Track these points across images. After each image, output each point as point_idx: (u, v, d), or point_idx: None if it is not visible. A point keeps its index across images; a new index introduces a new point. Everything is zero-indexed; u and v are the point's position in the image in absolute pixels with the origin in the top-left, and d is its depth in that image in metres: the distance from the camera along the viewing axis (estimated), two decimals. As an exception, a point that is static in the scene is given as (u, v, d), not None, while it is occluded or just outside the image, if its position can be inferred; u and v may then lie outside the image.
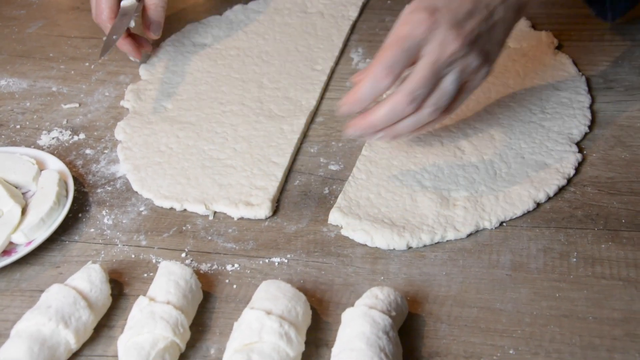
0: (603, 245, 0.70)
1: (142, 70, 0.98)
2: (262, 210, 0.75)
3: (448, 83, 0.67)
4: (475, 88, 0.71)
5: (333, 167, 0.82)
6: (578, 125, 0.82)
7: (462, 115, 0.85)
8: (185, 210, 0.77)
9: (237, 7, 1.10)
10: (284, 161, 0.81)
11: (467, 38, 0.66)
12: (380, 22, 1.07)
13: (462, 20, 0.66)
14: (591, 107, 0.86)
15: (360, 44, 1.03)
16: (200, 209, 0.76)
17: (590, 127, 0.83)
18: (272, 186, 0.78)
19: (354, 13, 1.08)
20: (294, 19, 1.07)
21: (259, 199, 0.76)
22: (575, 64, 0.93)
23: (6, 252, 0.72)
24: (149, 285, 0.66)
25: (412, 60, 0.67)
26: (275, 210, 0.77)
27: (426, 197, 0.75)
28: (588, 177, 0.78)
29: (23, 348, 0.60)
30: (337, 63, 0.99)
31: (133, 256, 0.73)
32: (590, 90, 0.89)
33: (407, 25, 0.66)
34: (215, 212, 0.77)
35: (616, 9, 0.89)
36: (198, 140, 0.85)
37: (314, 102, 0.91)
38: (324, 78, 0.95)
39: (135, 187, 0.80)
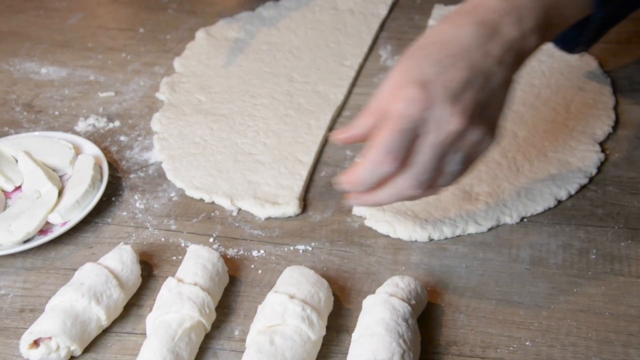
0: (622, 244, 0.70)
1: (177, 63, 1.00)
2: (290, 208, 0.76)
3: (453, 165, 0.60)
4: (480, 159, 0.62)
5: (359, 160, 0.83)
6: (602, 126, 0.83)
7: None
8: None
9: (270, 4, 1.11)
10: (309, 159, 0.82)
11: (467, 113, 0.58)
12: (409, 20, 1.08)
13: (458, 93, 0.58)
14: (615, 108, 0.86)
15: (389, 42, 1.04)
16: (226, 204, 0.78)
17: (614, 128, 0.83)
18: (297, 185, 0.79)
19: (383, 11, 1.09)
20: (324, 15, 1.08)
21: (286, 198, 0.77)
22: (601, 65, 0.93)
23: (43, 231, 0.74)
24: (178, 267, 0.68)
25: (411, 139, 0.59)
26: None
27: (449, 192, 0.76)
28: (610, 176, 0.78)
29: (57, 322, 0.62)
30: (365, 59, 1.00)
31: (163, 239, 0.74)
32: (615, 91, 0.89)
33: (400, 103, 0.58)
34: (240, 209, 0.77)
35: (584, 42, 0.77)
36: (231, 133, 0.87)
37: (341, 97, 0.92)
38: (353, 73, 0.96)
39: (169, 177, 0.82)
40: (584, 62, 0.93)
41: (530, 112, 0.85)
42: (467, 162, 0.61)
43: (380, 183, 0.61)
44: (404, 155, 0.59)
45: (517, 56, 0.62)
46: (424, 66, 0.59)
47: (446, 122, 0.58)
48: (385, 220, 0.73)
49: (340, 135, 0.64)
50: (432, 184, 0.61)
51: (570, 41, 0.77)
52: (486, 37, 0.60)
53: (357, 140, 0.63)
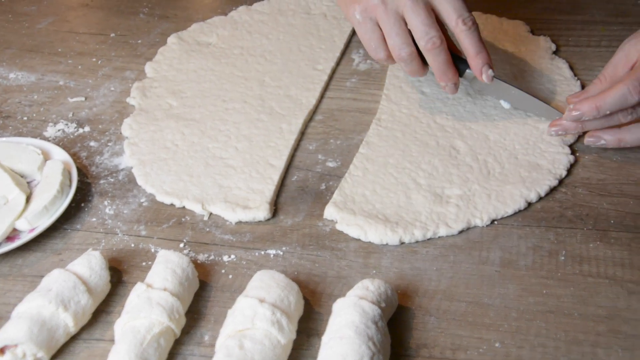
0: (591, 245, 0.72)
1: (148, 68, 1.00)
2: (260, 212, 0.76)
3: None
4: None
5: (330, 164, 0.84)
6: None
7: (458, 115, 0.87)
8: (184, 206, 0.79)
9: (242, 8, 1.11)
10: (281, 164, 0.83)
11: None
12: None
13: None
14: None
15: (361, 45, 1.04)
16: (197, 209, 0.78)
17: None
18: (269, 189, 0.79)
19: (356, 15, 1.09)
20: (297, 19, 1.09)
21: (257, 202, 0.77)
22: (572, 68, 0.95)
23: (10, 238, 0.74)
24: (147, 273, 0.68)
25: None
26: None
27: (420, 195, 0.77)
28: (579, 178, 0.79)
29: (23, 328, 0.61)
30: (338, 63, 1.00)
31: (133, 245, 0.74)
32: (584, 94, 0.90)
33: None
34: (211, 214, 0.78)
35: None
36: (202, 138, 0.87)
37: (313, 101, 0.93)
38: (325, 78, 0.97)
39: (139, 182, 0.81)
40: (555, 65, 0.95)
41: (501, 115, 0.86)
42: None
43: (611, 114, 0.74)
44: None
45: None
46: None
47: None
48: (357, 224, 0.74)
49: (574, 99, 0.79)
50: None
51: None
52: None
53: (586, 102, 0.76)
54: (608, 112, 0.74)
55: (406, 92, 0.92)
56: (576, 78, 0.92)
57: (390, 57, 0.82)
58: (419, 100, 0.90)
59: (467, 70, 0.82)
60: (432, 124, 0.86)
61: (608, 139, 0.77)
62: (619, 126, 0.77)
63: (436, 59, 0.79)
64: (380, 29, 0.81)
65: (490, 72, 0.80)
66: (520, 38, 1.00)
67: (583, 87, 0.91)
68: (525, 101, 0.84)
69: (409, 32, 0.80)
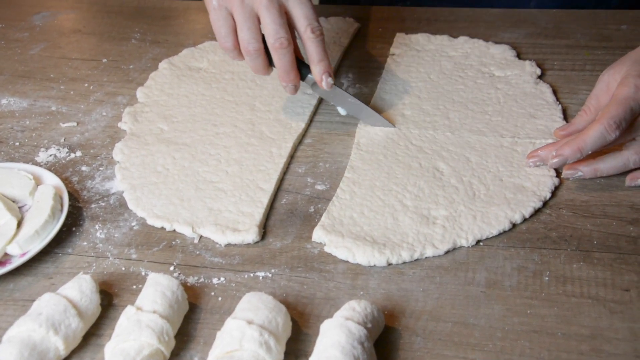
0: (575, 265, 0.74)
1: (139, 93, 1.02)
2: (249, 235, 0.78)
3: None
4: None
5: (319, 187, 0.86)
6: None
7: (430, 137, 0.90)
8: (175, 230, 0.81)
9: (233, 33, 1.14)
10: (270, 187, 0.85)
11: None
12: (371, 49, 1.12)
13: None
14: (569, 134, 0.90)
15: (350, 70, 1.07)
16: (187, 232, 0.80)
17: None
18: (258, 212, 0.81)
19: (345, 40, 1.13)
20: (287, 45, 1.11)
21: (246, 225, 0.79)
22: (555, 92, 0.97)
23: (1, 262, 0.75)
24: (138, 296, 0.70)
25: (633, 119, 0.78)
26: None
27: (407, 216, 0.79)
28: (564, 200, 0.81)
29: (14, 352, 0.63)
30: (327, 88, 1.03)
31: (123, 269, 0.76)
32: (567, 118, 0.93)
33: (628, 88, 0.77)
34: (201, 237, 0.80)
35: None
36: (193, 162, 0.89)
37: (303, 125, 0.95)
38: (314, 102, 0.99)
39: (130, 206, 0.83)
40: (539, 89, 0.98)
41: (476, 137, 0.90)
42: None
43: (595, 153, 0.79)
44: (628, 126, 0.77)
45: None
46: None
47: None
48: (345, 246, 0.76)
49: (561, 132, 0.84)
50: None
51: None
52: None
53: (567, 147, 0.80)
54: (590, 152, 0.78)
55: (388, 113, 0.95)
56: (558, 102, 0.95)
57: (236, 48, 0.86)
58: (395, 121, 0.93)
59: (309, 76, 0.88)
60: (409, 145, 0.89)
61: (584, 170, 0.80)
62: (594, 156, 0.80)
63: (282, 58, 0.85)
64: (234, 20, 0.85)
65: (329, 80, 0.86)
66: (506, 62, 1.03)
67: (564, 111, 0.94)
68: (359, 109, 0.92)
69: (260, 29, 0.85)
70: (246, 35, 0.84)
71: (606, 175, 0.82)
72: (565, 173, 0.82)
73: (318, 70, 0.86)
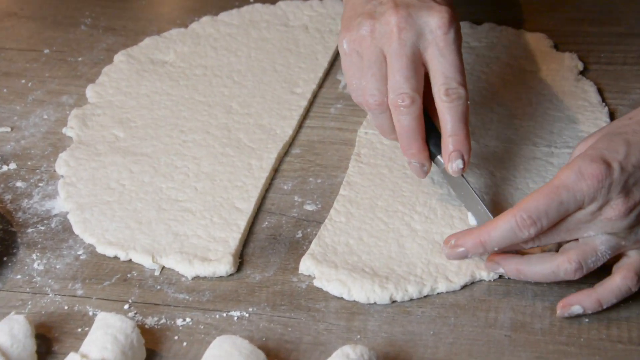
0: (622, 304, 0.75)
1: (90, 92, 1.04)
2: (222, 266, 0.80)
3: (598, 243, 0.73)
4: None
5: (309, 207, 0.87)
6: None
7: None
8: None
9: (206, 19, 1.16)
10: (249, 207, 0.86)
11: (635, 206, 0.72)
12: (374, 38, 1.14)
13: (635, 182, 0.72)
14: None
15: (349, 64, 1.09)
16: (146, 262, 0.81)
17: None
18: (233, 238, 0.83)
19: (343, 28, 1.14)
20: (272, 33, 1.13)
21: (219, 254, 0.81)
22: (601, 91, 0.99)
23: None
24: (83, 341, 0.71)
25: (566, 216, 0.72)
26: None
27: (415, 243, 0.80)
28: (609, 222, 0.83)
29: None
30: (320, 86, 1.05)
31: (66, 307, 0.77)
32: (615, 122, 0.95)
33: (567, 173, 0.72)
34: (163, 268, 0.81)
35: None
36: (155, 176, 0.90)
37: (290, 132, 0.97)
38: (304, 103, 1.01)
39: (76, 230, 0.85)
40: (580, 88, 1.00)
41: (505, 147, 0.91)
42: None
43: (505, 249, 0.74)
44: (552, 226, 0.72)
45: None
46: (616, 142, 0.73)
47: (610, 207, 0.71)
48: (338, 280, 0.77)
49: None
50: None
51: None
52: None
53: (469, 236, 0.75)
54: (497, 249, 0.74)
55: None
56: (604, 104, 0.97)
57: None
58: None
59: (439, 156, 0.81)
60: None
61: (506, 268, 0.76)
62: (522, 252, 0.76)
63: (400, 120, 0.80)
64: None
65: (458, 162, 0.79)
66: (541, 54, 1.06)
67: (612, 114, 0.96)
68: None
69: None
70: (369, 84, 0.81)
71: (533, 282, 0.76)
72: (485, 265, 0.77)
73: (446, 145, 0.79)
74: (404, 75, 0.79)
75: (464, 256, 0.75)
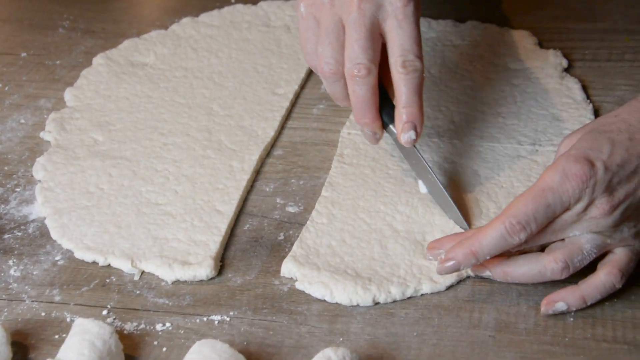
0: (607, 303, 0.75)
1: (68, 95, 1.04)
2: (202, 270, 0.80)
3: (584, 242, 0.74)
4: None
5: (291, 209, 0.88)
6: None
7: (433, 146, 0.92)
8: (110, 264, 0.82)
9: (186, 20, 1.17)
10: (230, 210, 0.87)
11: (619, 204, 0.72)
12: (358, 37, 1.14)
13: (619, 181, 0.72)
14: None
15: (332, 64, 1.09)
16: (126, 267, 0.81)
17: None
18: (214, 241, 0.83)
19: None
20: (254, 34, 1.14)
21: (199, 257, 0.81)
22: (586, 88, 1.00)
23: None
24: (60, 348, 0.71)
25: (554, 218, 0.73)
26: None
27: (398, 244, 0.81)
28: (595, 218, 0.83)
29: None
30: (302, 86, 1.06)
31: (43, 314, 0.77)
32: (599, 119, 0.95)
33: (551, 174, 0.72)
34: (142, 272, 0.81)
35: None
36: (134, 180, 0.91)
37: (272, 133, 0.97)
38: (286, 104, 1.01)
39: (54, 236, 0.85)
40: (564, 85, 1.00)
41: (489, 146, 0.92)
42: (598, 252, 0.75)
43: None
44: (541, 229, 0.73)
45: None
46: (600, 141, 0.73)
47: (595, 206, 0.72)
48: (321, 282, 0.77)
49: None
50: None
51: None
52: None
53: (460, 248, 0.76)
54: (489, 257, 0.74)
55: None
56: (589, 101, 0.98)
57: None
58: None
59: (391, 126, 0.83)
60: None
61: (493, 271, 0.76)
62: (508, 254, 0.76)
63: (356, 90, 0.81)
64: None
65: (411, 134, 0.81)
66: (525, 52, 1.06)
67: (597, 112, 0.97)
68: (437, 193, 0.84)
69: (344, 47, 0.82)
70: (325, 52, 0.82)
71: (520, 283, 0.77)
72: (472, 270, 0.78)
73: (399, 117, 0.81)
74: (361, 46, 0.80)
75: (456, 269, 0.75)
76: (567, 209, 0.72)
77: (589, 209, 0.72)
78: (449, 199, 0.83)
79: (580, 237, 0.74)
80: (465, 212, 0.83)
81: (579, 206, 0.72)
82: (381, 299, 0.76)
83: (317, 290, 0.77)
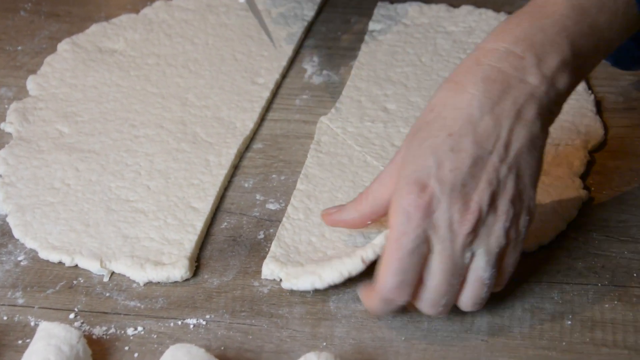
0: (607, 305, 0.77)
1: (31, 84, 1.05)
2: (176, 271, 0.81)
3: (481, 272, 0.70)
4: (520, 250, 0.72)
5: (271, 206, 0.89)
6: (582, 156, 0.90)
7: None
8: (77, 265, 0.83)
9: (159, 4, 1.18)
10: (206, 207, 0.88)
11: (481, 203, 0.68)
12: (343, 23, 1.16)
13: (465, 182, 0.68)
14: (606, 132, 0.94)
15: (316, 51, 1.11)
16: (94, 267, 0.82)
17: (600, 158, 0.91)
18: (189, 240, 0.84)
19: (310, 12, 1.16)
20: (232, 18, 1.15)
21: (173, 257, 0.82)
22: (587, 78, 1.01)
23: None
24: (23, 354, 0.71)
25: (423, 254, 0.69)
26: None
27: (383, 235, 0.82)
28: (595, 220, 0.85)
29: None
30: (284, 75, 1.07)
31: (5, 318, 0.78)
32: (602, 112, 0.97)
33: (398, 217, 0.69)
34: (112, 274, 0.82)
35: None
36: (103, 175, 0.91)
37: (251, 125, 0.98)
38: (267, 94, 1.03)
39: (16, 234, 0.85)
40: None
41: None
42: (499, 262, 0.71)
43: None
44: (417, 277, 0.70)
45: (543, 106, 0.71)
46: (423, 157, 0.70)
47: (458, 222, 0.68)
48: (307, 272, 0.78)
49: (327, 216, 0.80)
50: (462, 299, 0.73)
51: (626, 57, 0.90)
52: (495, 97, 0.70)
53: (348, 226, 0.80)
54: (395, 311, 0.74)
55: (364, 106, 0.99)
56: (590, 92, 1.00)
57: None
58: (375, 117, 0.97)
59: None
60: (389, 147, 0.93)
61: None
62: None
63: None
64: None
65: None
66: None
67: (599, 103, 0.98)
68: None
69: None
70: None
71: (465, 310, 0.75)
72: None
73: None
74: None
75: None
76: (429, 242, 0.69)
77: (455, 228, 0.69)
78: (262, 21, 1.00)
79: (473, 271, 0.71)
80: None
81: (443, 232, 0.69)
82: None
83: (306, 280, 0.77)
